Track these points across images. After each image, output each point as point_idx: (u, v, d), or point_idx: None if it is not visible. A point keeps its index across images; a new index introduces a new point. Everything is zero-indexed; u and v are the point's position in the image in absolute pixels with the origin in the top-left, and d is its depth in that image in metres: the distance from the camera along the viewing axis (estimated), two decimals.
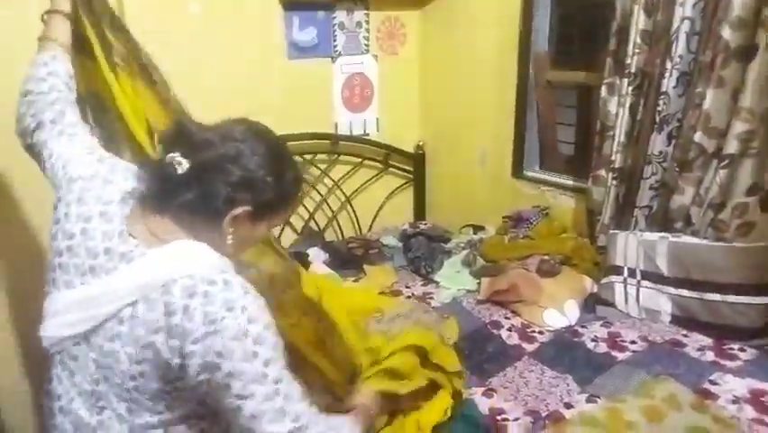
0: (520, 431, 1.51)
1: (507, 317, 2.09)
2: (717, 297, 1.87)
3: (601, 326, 1.99)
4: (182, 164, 0.92)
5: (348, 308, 1.85)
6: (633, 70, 2.06)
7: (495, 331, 2.01)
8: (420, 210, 3.34)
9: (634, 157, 2.15)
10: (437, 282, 2.42)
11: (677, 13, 1.89)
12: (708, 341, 1.84)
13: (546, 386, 1.69)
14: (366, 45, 2.96)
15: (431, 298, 2.29)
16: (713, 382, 1.62)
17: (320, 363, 1.39)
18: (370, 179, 3.14)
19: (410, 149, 3.22)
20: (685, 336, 1.88)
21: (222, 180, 0.93)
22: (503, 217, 2.69)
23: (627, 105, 2.11)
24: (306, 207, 2.94)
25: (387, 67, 3.06)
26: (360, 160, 3.06)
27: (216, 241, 0.96)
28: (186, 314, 0.87)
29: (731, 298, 1.84)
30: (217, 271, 0.92)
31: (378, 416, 1.41)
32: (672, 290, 1.97)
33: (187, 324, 0.87)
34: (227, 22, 2.49)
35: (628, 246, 2.09)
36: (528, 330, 2.00)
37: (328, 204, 3.03)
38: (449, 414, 1.54)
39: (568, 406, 1.59)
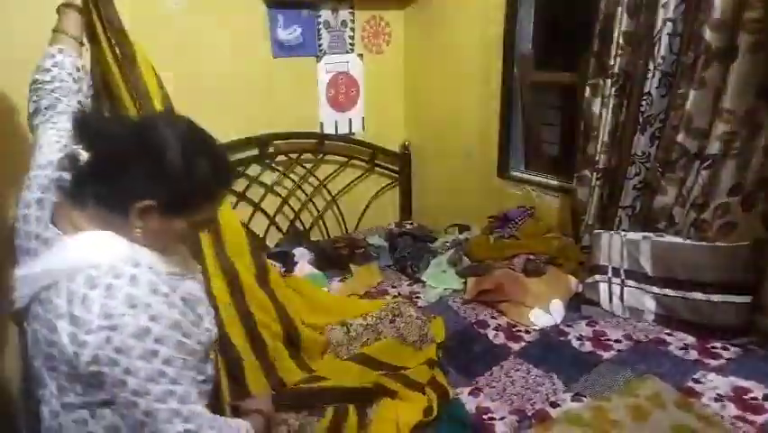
0: (506, 430, 1.51)
1: (493, 317, 2.10)
2: (700, 296, 1.89)
3: (586, 325, 2.01)
4: (81, 156, 0.94)
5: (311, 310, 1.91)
6: (616, 71, 2.08)
7: (481, 330, 2.01)
8: (406, 210, 3.34)
9: (617, 157, 2.17)
10: (423, 282, 2.42)
11: (659, 14, 1.91)
12: (691, 340, 1.86)
13: (532, 385, 1.70)
14: (351, 44, 2.95)
15: (417, 297, 2.28)
16: (696, 381, 1.64)
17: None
18: (356, 178, 3.13)
19: (396, 148, 3.23)
20: (669, 334, 1.90)
21: (124, 174, 0.93)
22: (488, 217, 2.69)
23: (611, 105, 2.13)
24: (291, 207, 2.92)
25: (372, 66, 3.05)
26: (345, 159, 3.05)
27: (133, 234, 0.96)
28: (84, 304, 0.88)
29: (714, 297, 1.86)
30: (129, 264, 0.92)
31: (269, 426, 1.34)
32: (655, 289, 1.99)
33: (85, 314, 0.88)
34: (210, 19, 2.46)
35: (612, 246, 2.11)
36: (514, 329, 2.01)
37: (314, 203, 3.01)
38: (433, 414, 1.54)
39: (554, 405, 1.60)
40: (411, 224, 3.18)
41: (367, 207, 3.20)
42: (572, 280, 2.23)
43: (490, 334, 1.99)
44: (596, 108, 2.18)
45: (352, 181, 3.11)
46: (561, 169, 2.58)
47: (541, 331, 1.99)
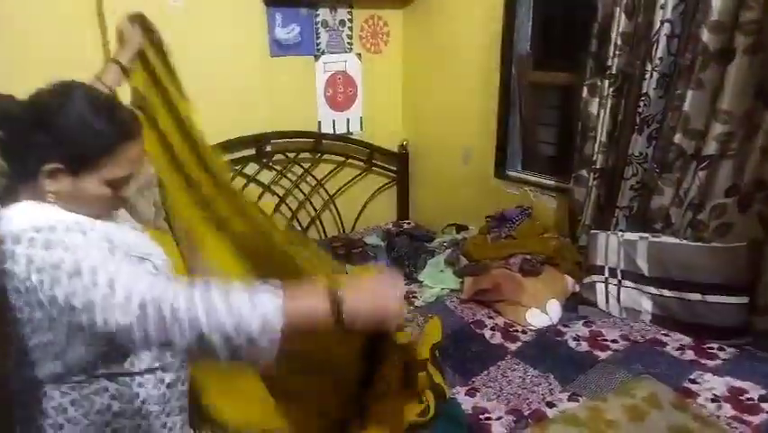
0: (503, 430, 1.51)
1: (490, 317, 2.10)
2: (696, 296, 1.90)
3: (583, 325, 2.01)
4: None
5: None
6: (614, 72, 2.08)
7: (478, 330, 2.01)
8: (403, 210, 3.34)
9: (615, 158, 2.17)
10: (421, 282, 2.42)
11: (657, 15, 1.92)
12: (687, 340, 1.86)
13: (529, 385, 1.70)
14: (349, 43, 2.94)
15: (414, 297, 2.29)
16: (693, 381, 1.65)
17: None
18: (354, 178, 3.12)
19: (394, 148, 3.22)
20: (665, 335, 1.90)
21: (28, 145, 0.96)
22: (486, 217, 2.69)
23: (608, 106, 2.13)
24: (288, 206, 2.92)
25: (370, 65, 3.05)
26: (343, 159, 3.05)
27: (47, 199, 0.98)
28: (13, 258, 0.91)
29: (710, 297, 1.87)
30: (52, 221, 0.95)
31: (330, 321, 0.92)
32: (652, 289, 2.00)
33: (15, 268, 0.91)
34: (209, 17, 2.45)
35: (609, 246, 2.11)
36: (511, 329, 2.01)
37: (311, 203, 3.01)
38: (430, 413, 1.54)
39: (550, 405, 1.60)
40: (408, 223, 3.18)
41: (364, 206, 3.20)
42: (569, 280, 2.23)
43: (487, 334, 1.99)
44: (593, 109, 2.19)
45: (350, 181, 3.11)
46: (558, 169, 2.58)
47: (537, 331, 1.99)
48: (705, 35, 1.80)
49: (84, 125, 0.96)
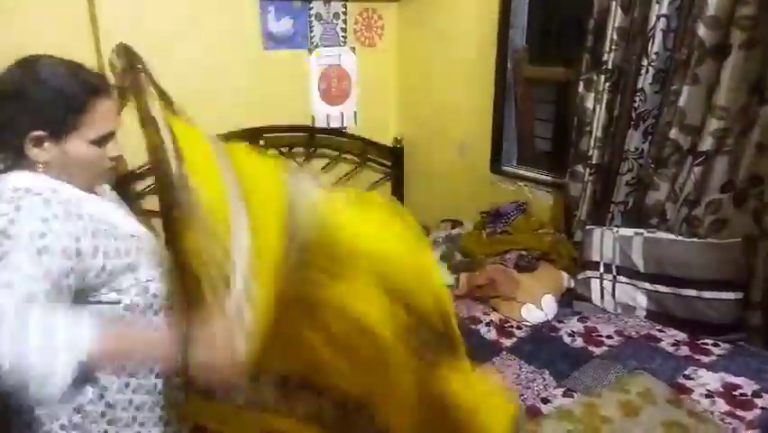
0: None
1: (485, 312, 2.09)
2: (691, 292, 1.90)
3: (578, 321, 2.01)
4: None
5: None
6: (609, 67, 2.08)
7: (473, 326, 2.01)
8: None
9: (610, 153, 2.17)
10: None
11: (653, 10, 1.91)
12: (682, 336, 1.86)
13: (524, 381, 1.70)
14: (343, 37, 2.92)
15: None
16: (687, 377, 1.65)
17: None
18: (348, 173, 3.11)
19: (388, 143, 3.21)
20: (660, 330, 1.90)
21: (7, 120, 0.97)
22: (481, 213, 2.69)
23: (604, 101, 2.12)
24: None
25: (364, 59, 3.02)
26: (337, 153, 3.03)
27: (37, 169, 0.99)
28: None
29: (705, 293, 1.87)
30: (26, 184, 0.95)
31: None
32: (647, 285, 2.00)
33: None
34: (201, 10, 2.42)
35: (604, 242, 2.11)
36: (506, 325, 2.00)
37: None
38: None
39: (545, 401, 1.60)
40: None
41: None
42: (564, 275, 2.23)
43: (482, 329, 1.99)
44: (589, 104, 2.18)
45: (344, 176, 3.09)
46: (553, 164, 2.58)
47: (533, 327, 1.99)
48: (701, 30, 1.79)
49: (53, 90, 0.99)
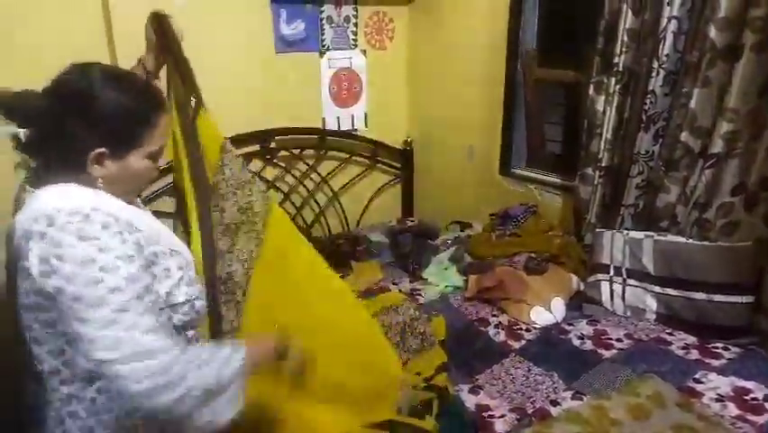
0: (506, 428, 1.51)
1: (494, 315, 2.09)
2: (701, 296, 1.89)
3: (587, 323, 2.00)
4: (20, 134, 0.96)
5: None
6: (620, 69, 2.07)
7: (482, 328, 2.01)
8: (408, 207, 3.34)
9: (620, 156, 2.16)
10: (425, 279, 2.42)
11: (664, 12, 1.90)
12: (692, 339, 1.85)
13: (532, 383, 1.70)
14: (354, 40, 2.94)
15: (418, 294, 2.28)
16: (697, 381, 1.64)
17: None
18: (358, 174, 3.12)
19: (398, 145, 3.22)
20: (670, 334, 1.90)
21: (65, 135, 0.96)
22: (490, 215, 2.69)
23: (615, 103, 2.12)
24: (293, 203, 2.92)
25: (375, 62, 3.04)
26: (348, 155, 3.05)
27: (97, 185, 1.00)
28: (43, 239, 0.91)
29: (715, 297, 1.86)
30: (87, 207, 0.94)
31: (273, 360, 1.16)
32: (657, 288, 1.99)
33: (35, 246, 0.91)
34: (213, 14, 2.45)
35: (614, 245, 2.10)
36: (515, 327, 2.00)
37: (315, 200, 3.01)
38: (433, 412, 1.54)
39: (554, 403, 1.60)
40: (413, 221, 3.18)
41: (369, 203, 3.20)
42: (574, 278, 2.23)
43: (491, 331, 1.99)
44: (599, 106, 2.17)
45: (354, 178, 3.11)
46: (563, 167, 2.57)
47: (542, 329, 1.99)
48: (712, 32, 1.78)
49: (119, 106, 0.97)
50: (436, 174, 3.19)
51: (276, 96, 2.72)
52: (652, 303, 2.00)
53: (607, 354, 1.82)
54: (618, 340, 1.89)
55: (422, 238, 2.74)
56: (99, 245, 0.91)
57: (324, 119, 2.97)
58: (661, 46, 1.93)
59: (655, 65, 1.95)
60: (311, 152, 2.92)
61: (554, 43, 2.61)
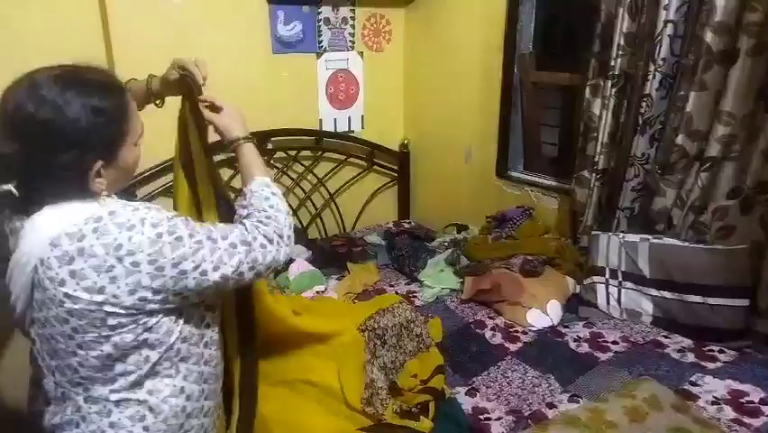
0: (503, 431, 1.51)
1: (490, 317, 2.09)
2: (697, 299, 1.89)
3: (584, 326, 2.01)
4: (12, 190, 0.91)
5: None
6: (616, 72, 2.08)
7: (478, 331, 2.01)
8: (404, 209, 3.34)
9: (617, 159, 2.17)
10: (421, 281, 2.41)
11: (660, 16, 1.91)
12: (688, 342, 1.86)
13: (529, 386, 1.70)
14: (351, 41, 2.94)
15: (415, 296, 2.28)
16: (693, 383, 1.64)
17: None
18: (355, 176, 3.12)
19: (395, 147, 3.22)
20: (666, 337, 1.90)
21: (43, 169, 0.91)
22: (487, 217, 2.69)
23: (611, 106, 2.12)
24: (289, 205, 2.90)
25: (372, 64, 3.04)
26: (344, 157, 3.04)
27: (102, 194, 0.99)
28: (83, 255, 0.89)
29: (711, 300, 1.87)
30: (103, 211, 0.94)
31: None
32: (653, 291, 1.99)
33: (92, 261, 0.89)
34: (210, 15, 2.44)
35: (610, 247, 2.11)
36: (511, 330, 2.00)
37: (312, 201, 3.01)
38: (430, 415, 1.54)
39: (550, 406, 1.59)
40: (409, 223, 3.18)
41: (365, 205, 3.19)
42: (570, 281, 2.23)
43: (488, 334, 1.99)
44: (596, 109, 2.18)
45: (351, 179, 3.11)
46: (560, 169, 2.58)
47: (538, 332, 1.99)
48: (708, 36, 1.79)
49: (92, 112, 0.92)
50: (433, 176, 3.20)
51: (273, 98, 2.72)
52: (648, 306, 2.01)
53: (603, 356, 1.82)
54: (614, 343, 1.89)
55: (418, 240, 2.74)
56: (146, 223, 0.93)
57: (320, 121, 2.97)
58: (657, 50, 1.93)
59: (651, 68, 1.96)
60: (308, 153, 2.91)
61: (551, 47, 2.62)
